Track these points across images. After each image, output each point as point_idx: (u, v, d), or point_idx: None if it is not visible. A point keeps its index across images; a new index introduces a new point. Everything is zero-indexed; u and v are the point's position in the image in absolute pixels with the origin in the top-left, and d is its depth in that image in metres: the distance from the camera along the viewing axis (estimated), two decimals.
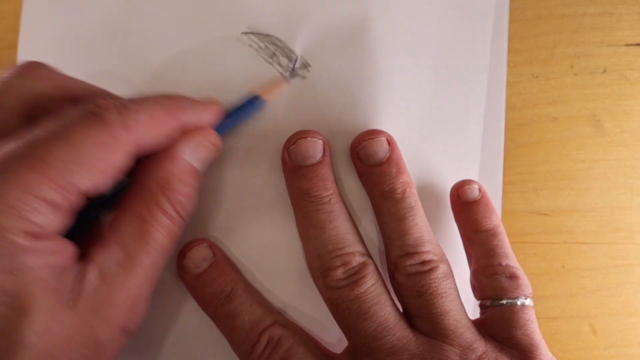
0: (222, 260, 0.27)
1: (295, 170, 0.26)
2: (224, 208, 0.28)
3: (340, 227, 0.25)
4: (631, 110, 0.29)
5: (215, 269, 0.26)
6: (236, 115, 0.26)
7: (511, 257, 0.26)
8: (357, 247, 0.25)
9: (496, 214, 0.27)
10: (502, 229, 0.27)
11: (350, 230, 0.25)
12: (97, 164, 0.20)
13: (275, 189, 0.27)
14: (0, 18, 0.30)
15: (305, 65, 0.28)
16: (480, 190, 0.27)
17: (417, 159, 0.28)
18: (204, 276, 0.26)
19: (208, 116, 0.24)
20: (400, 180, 0.25)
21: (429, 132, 0.28)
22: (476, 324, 0.25)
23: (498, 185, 0.29)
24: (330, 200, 0.25)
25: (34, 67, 0.23)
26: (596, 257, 0.29)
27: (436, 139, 0.28)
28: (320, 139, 0.26)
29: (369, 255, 0.25)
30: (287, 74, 0.28)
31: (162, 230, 0.22)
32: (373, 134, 0.26)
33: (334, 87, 0.28)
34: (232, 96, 0.27)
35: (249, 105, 0.26)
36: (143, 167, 0.23)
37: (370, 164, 0.26)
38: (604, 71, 0.30)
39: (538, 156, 0.29)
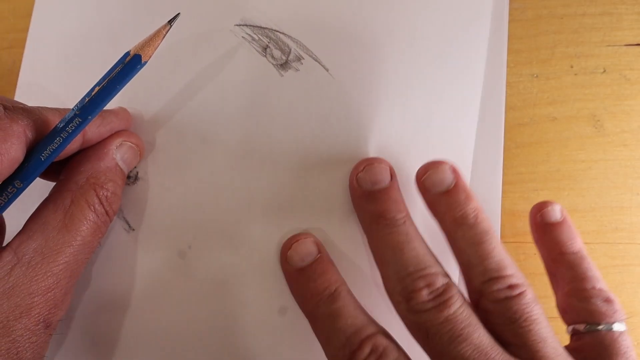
0: (327, 259, 0.26)
1: (367, 195, 0.26)
2: (220, 202, 0.28)
3: (418, 248, 0.24)
4: (631, 110, 0.29)
5: (320, 265, 0.26)
6: (113, 80, 0.23)
7: (602, 280, 0.25)
8: (439, 268, 0.24)
9: (579, 237, 0.26)
10: (586, 253, 0.26)
11: (428, 252, 0.25)
12: None
13: (267, 180, 0.27)
14: (0, 18, 0.30)
15: (299, 58, 0.28)
16: (562, 211, 0.27)
17: (412, 154, 0.28)
18: (308, 270, 0.25)
19: (105, 120, 0.25)
20: (470, 206, 0.25)
21: (424, 127, 0.28)
22: (569, 350, 0.23)
23: (498, 185, 0.29)
24: (405, 222, 0.25)
25: None
26: (596, 257, 0.29)
27: (431, 133, 0.28)
28: (386, 165, 0.26)
29: (450, 277, 0.24)
30: (280, 67, 0.28)
31: (86, 223, 0.23)
32: (436, 164, 0.26)
33: (327, 79, 0.28)
34: (224, 88, 0.28)
35: (124, 66, 0.23)
36: (70, 165, 0.24)
37: (437, 192, 0.25)
38: (604, 71, 0.30)
39: (538, 156, 0.29)
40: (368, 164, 0.26)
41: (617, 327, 0.24)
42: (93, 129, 0.24)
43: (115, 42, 0.29)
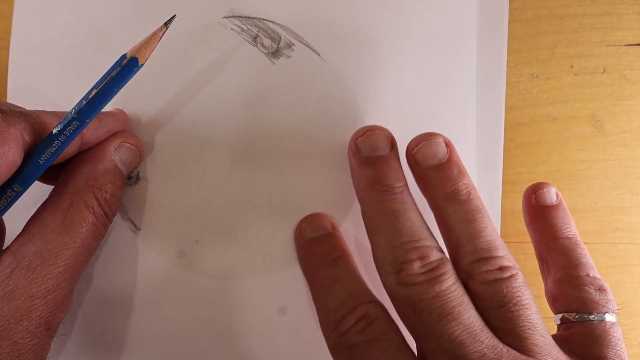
0: (339, 235, 0.26)
1: (366, 160, 0.25)
2: (222, 198, 0.28)
3: (414, 219, 0.23)
4: (631, 110, 0.29)
5: (330, 236, 0.26)
6: (110, 83, 0.23)
7: (595, 269, 0.24)
8: (434, 242, 0.23)
9: (574, 222, 0.26)
10: (580, 239, 0.25)
11: (424, 224, 0.23)
12: None
13: (268, 170, 0.28)
14: (0, 18, 0.30)
15: (290, 45, 0.28)
16: (557, 194, 0.26)
17: (409, 136, 0.27)
18: (317, 239, 0.25)
19: (102, 122, 0.25)
20: (463, 182, 0.24)
21: (420, 106, 0.28)
22: (557, 340, 0.22)
23: (498, 185, 0.29)
24: (403, 191, 0.24)
25: None
26: (596, 257, 0.29)
27: (428, 112, 0.28)
28: (388, 133, 0.25)
29: (444, 254, 0.23)
30: (271, 55, 0.28)
31: (85, 225, 0.23)
32: (429, 135, 0.25)
33: (320, 64, 0.28)
34: (218, 82, 0.28)
35: (121, 69, 0.23)
36: (69, 168, 0.24)
37: (429, 166, 0.24)
38: (604, 71, 0.30)
39: (538, 156, 0.29)
40: (369, 130, 0.25)
41: (609, 318, 0.23)
42: (91, 131, 0.24)
43: (103, 40, 0.29)
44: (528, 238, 0.29)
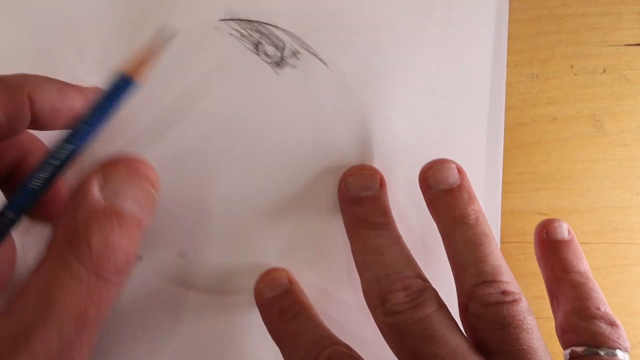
0: (297, 289, 0.26)
1: (354, 199, 0.25)
2: (220, 205, 0.27)
3: (399, 253, 0.24)
4: (631, 110, 0.29)
5: (288, 292, 0.25)
6: (103, 104, 0.21)
7: (607, 304, 0.24)
8: (420, 273, 0.23)
9: (585, 258, 0.25)
10: (592, 275, 0.25)
11: (409, 257, 0.24)
12: None
13: (269, 185, 0.27)
14: None
15: (295, 53, 0.26)
16: (569, 231, 0.26)
17: (417, 153, 0.27)
18: (275, 298, 0.25)
19: (73, 97, 0.20)
20: (472, 207, 0.24)
21: (429, 123, 0.28)
22: None
23: (498, 185, 0.29)
24: (389, 227, 0.25)
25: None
26: (596, 257, 0.29)
27: (436, 129, 0.28)
28: (377, 173, 0.26)
29: (429, 283, 0.23)
30: (275, 65, 0.26)
31: (68, 298, 0.17)
32: (443, 161, 0.25)
33: (327, 75, 0.27)
34: (218, 94, 0.25)
35: (117, 90, 0.21)
36: (57, 212, 0.20)
37: (440, 189, 0.25)
38: (604, 71, 0.30)
39: (538, 156, 0.29)
40: (359, 169, 0.26)
41: (621, 355, 0.22)
42: (43, 99, 0.19)
43: (80, 44, 0.25)
44: (528, 238, 0.29)
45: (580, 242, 0.27)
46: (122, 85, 0.20)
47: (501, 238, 0.29)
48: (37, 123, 0.20)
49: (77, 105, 0.20)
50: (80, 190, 0.18)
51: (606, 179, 0.29)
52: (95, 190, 0.18)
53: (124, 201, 0.18)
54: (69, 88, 0.21)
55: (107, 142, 0.25)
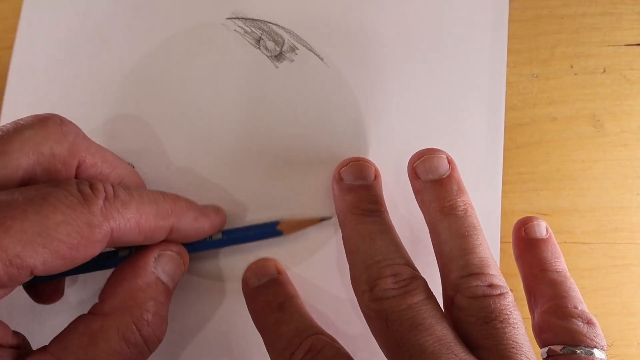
0: (285, 279, 0.26)
1: (348, 187, 0.25)
2: (219, 198, 0.28)
3: (390, 240, 0.23)
4: (631, 110, 0.29)
5: (275, 282, 0.25)
6: (245, 232, 0.26)
7: (584, 303, 0.24)
8: (409, 262, 0.23)
9: (563, 257, 0.25)
10: (569, 274, 0.25)
11: (400, 245, 0.23)
12: (57, 245, 0.18)
13: (267, 174, 0.28)
14: (0, 18, 0.30)
15: (293, 48, 0.28)
16: (547, 229, 0.26)
17: (411, 144, 0.28)
18: (262, 287, 0.25)
19: (203, 224, 0.24)
20: (461, 199, 0.24)
21: (424, 113, 0.28)
22: None
23: (498, 185, 0.29)
24: (381, 215, 0.24)
25: (54, 124, 0.21)
26: (596, 257, 0.29)
27: (432, 119, 0.28)
28: (372, 165, 0.26)
29: (419, 272, 0.23)
30: (274, 58, 0.28)
31: (112, 357, 0.20)
32: (432, 151, 0.25)
33: (323, 69, 0.28)
34: (220, 83, 0.27)
35: (263, 227, 0.26)
36: (107, 283, 0.22)
37: (429, 179, 0.24)
38: (604, 71, 0.30)
39: (538, 156, 0.29)
40: (354, 161, 0.26)
41: (598, 354, 0.21)
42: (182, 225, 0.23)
43: (105, 43, 0.29)
44: None
45: (580, 242, 0.27)
46: (271, 231, 0.26)
47: (501, 238, 0.29)
48: (172, 236, 0.24)
49: (207, 228, 0.25)
50: (139, 262, 0.22)
51: (606, 179, 0.29)
52: (152, 265, 0.23)
53: (170, 278, 0.23)
54: (202, 217, 0.25)
55: (123, 129, 0.29)
